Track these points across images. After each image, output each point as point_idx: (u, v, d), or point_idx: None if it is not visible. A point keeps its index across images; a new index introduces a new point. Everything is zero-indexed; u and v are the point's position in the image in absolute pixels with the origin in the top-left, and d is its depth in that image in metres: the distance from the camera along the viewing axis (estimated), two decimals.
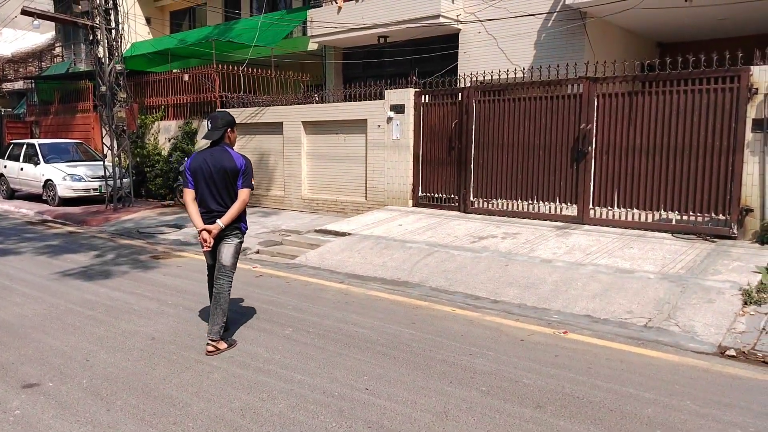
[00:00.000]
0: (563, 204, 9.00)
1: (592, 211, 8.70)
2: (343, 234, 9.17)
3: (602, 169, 8.60)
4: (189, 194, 4.80)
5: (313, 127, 12.47)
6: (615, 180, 8.48)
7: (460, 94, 10.18)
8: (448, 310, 5.97)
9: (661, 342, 4.97)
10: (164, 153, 15.34)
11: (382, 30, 13.56)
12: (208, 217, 4.74)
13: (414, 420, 3.59)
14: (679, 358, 4.64)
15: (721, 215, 7.67)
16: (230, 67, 14.59)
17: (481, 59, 12.68)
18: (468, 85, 10.17)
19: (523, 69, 10.30)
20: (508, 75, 9.72)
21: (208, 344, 4.76)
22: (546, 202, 9.19)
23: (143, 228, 11.30)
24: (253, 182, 4.91)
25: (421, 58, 13.92)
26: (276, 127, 13.03)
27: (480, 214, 9.83)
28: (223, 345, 4.81)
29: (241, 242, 4.93)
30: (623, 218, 8.41)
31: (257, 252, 9.25)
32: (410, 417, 3.63)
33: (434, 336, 5.15)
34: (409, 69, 12.95)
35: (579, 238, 7.95)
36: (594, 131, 8.65)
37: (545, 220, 9.07)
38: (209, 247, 4.74)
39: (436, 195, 10.55)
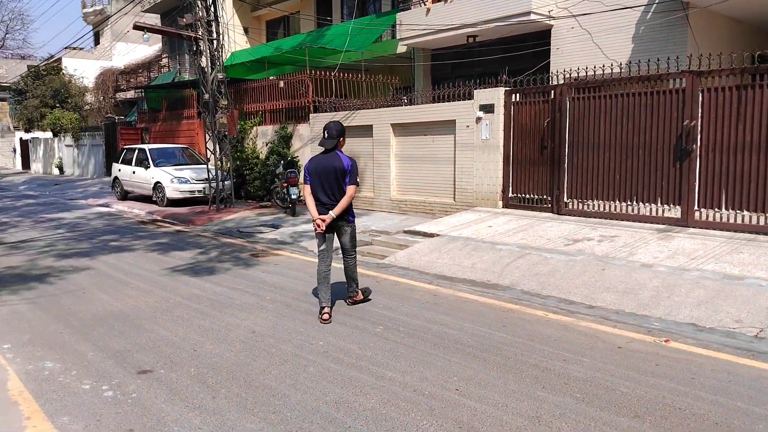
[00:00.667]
0: (665, 205, 8.55)
1: (697, 213, 8.20)
2: (432, 235, 9.19)
3: (708, 168, 8.09)
4: (307, 189, 5.85)
5: (401, 129, 12.59)
6: (722, 180, 7.95)
7: (552, 91, 9.92)
8: (540, 314, 5.86)
9: None
10: (262, 156, 15.95)
11: (471, 30, 13.46)
12: (322, 208, 5.76)
13: (505, 423, 3.57)
14: None
15: None
16: (322, 73, 15.02)
17: (574, 55, 12.29)
18: (561, 82, 9.90)
19: (620, 64, 9.87)
20: (603, 71, 9.36)
21: (348, 299, 6.23)
22: (646, 204, 8.77)
23: (243, 228, 11.88)
24: (357, 179, 5.83)
25: (511, 56, 13.68)
26: (366, 130, 13.26)
27: (574, 215, 9.53)
28: (360, 296, 6.24)
29: (354, 228, 6.04)
30: (732, 221, 7.87)
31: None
32: (501, 420, 3.61)
33: (526, 340, 5.08)
34: (499, 68, 12.76)
35: (683, 241, 7.52)
36: (699, 128, 8.16)
37: (645, 222, 8.66)
38: (322, 230, 5.74)
39: (527, 196, 10.34)
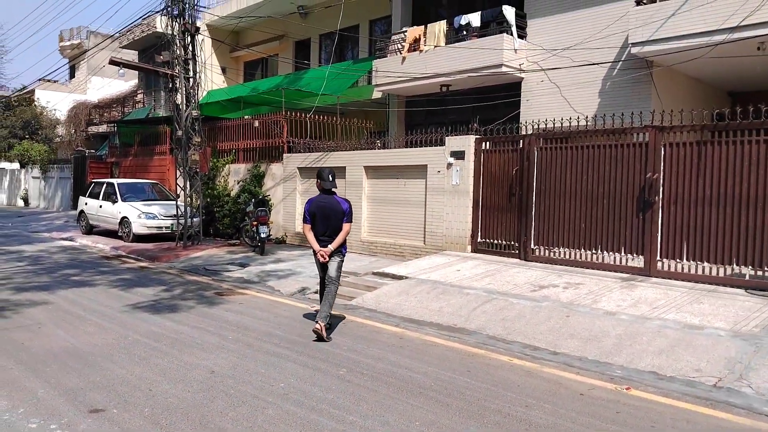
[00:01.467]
0: (629, 255, 8.74)
1: (659, 263, 8.39)
2: (400, 277, 9.20)
3: (670, 220, 8.33)
4: (307, 227, 6.76)
5: (374, 171, 12.72)
6: (684, 231, 8.19)
7: (521, 141, 10.18)
8: (505, 359, 5.85)
9: (732, 404, 4.69)
10: (233, 194, 15.89)
11: (445, 79, 13.82)
12: (320, 242, 6.65)
13: None
14: (752, 421, 4.36)
15: None
16: (298, 114, 15.17)
17: (543, 107, 12.68)
18: (529, 132, 10.18)
19: (587, 117, 10.19)
20: (571, 123, 9.67)
21: (316, 323, 6.45)
22: (611, 253, 8.95)
23: (210, 265, 11.72)
24: (352, 218, 6.83)
25: (482, 105, 14.03)
26: (339, 172, 13.28)
27: (541, 262, 9.67)
28: (324, 327, 6.44)
29: (343, 260, 6.85)
30: (693, 272, 8.07)
31: (316, 292, 9.34)
32: None
33: (489, 385, 5.06)
34: (471, 116, 13.06)
35: (645, 290, 7.67)
36: (661, 181, 8.43)
37: (609, 270, 8.82)
38: (326, 260, 6.61)
39: (496, 241, 10.47)
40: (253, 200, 14.15)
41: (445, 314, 7.47)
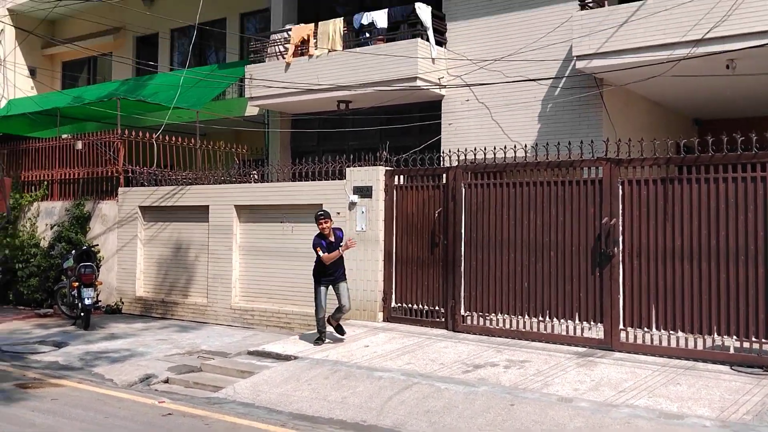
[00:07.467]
0: (585, 322, 9.03)
1: (623, 333, 8.72)
2: (288, 357, 9.13)
3: (633, 278, 8.72)
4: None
5: (249, 213, 12.54)
6: (651, 292, 8.58)
7: (444, 175, 10.40)
8: None
9: None
10: (43, 244, 15.25)
11: (344, 93, 13.96)
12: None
13: None
14: None
15: None
16: (140, 134, 14.75)
17: (470, 133, 13.08)
18: (455, 164, 10.41)
19: (525, 146, 10.63)
20: (506, 153, 9.99)
21: (329, 322, 9.85)
22: (562, 320, 9.21)
23: (9, 345, 11.16)
24: (317, 251, 9.59)
25: (393, 129, 14.28)
26: (200, 212, 13.04)
27: (474, 333, 9.79)
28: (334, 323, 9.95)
29: (346, 285, 10.00)
30: (664, 343, 8.44)
31: (166, 381, 9.12)
32: None
33: None
34: (377, 143, 13.22)
35: (608, 369, 7.93)
36: (620, 228, 8.84)
37: (561, 343, 9.06)
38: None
39: (415, 306, 10.52)
40: (73, 252, 13.45)
41: (351, 407, 7.41)
